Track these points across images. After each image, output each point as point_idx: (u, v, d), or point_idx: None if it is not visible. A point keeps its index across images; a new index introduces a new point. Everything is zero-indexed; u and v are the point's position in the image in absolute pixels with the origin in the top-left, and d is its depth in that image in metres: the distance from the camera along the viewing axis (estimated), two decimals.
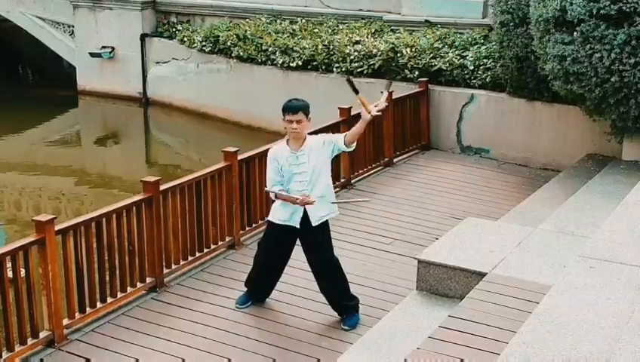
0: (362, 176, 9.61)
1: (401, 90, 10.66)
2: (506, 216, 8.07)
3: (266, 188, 6.13)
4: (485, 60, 10.80)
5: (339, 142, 5.92)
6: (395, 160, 10.25)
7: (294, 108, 5.86)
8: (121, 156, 13.77)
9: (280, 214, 6.06)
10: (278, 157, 5.99)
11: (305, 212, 5.94)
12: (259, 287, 6.48)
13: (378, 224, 8.25)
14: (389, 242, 7.82)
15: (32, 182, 12.22)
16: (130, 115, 15.07)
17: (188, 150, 13.73)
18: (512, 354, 4.17)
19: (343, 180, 9.23)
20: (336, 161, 9.02)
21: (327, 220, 6.08)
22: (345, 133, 6.04)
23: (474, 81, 10.75)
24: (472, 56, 10.92)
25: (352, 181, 9.40)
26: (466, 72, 10.82)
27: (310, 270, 6.27)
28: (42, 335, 5.76)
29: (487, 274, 5.98)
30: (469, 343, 5.00)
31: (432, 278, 6.23)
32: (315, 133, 7.06)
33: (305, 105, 5.92)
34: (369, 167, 9.76)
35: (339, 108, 9.13)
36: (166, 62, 14.49)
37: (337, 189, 9.08)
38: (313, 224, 5.97)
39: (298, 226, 6.00)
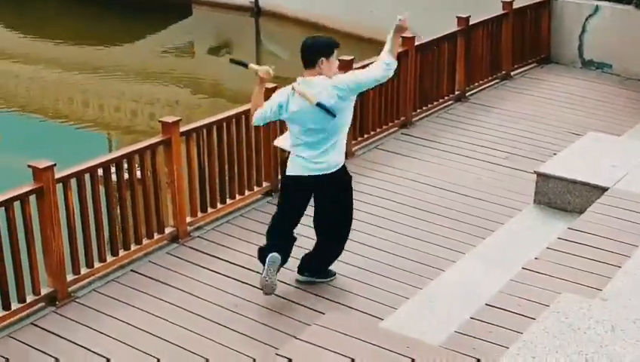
0: (478, 90, 9.39)
1: None
2: (628, 132, 7.80)
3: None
4: None
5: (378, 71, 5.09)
6: (512, 73, 9.95)
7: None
8: (232, 66, 13.92)
9: None
10: None
11: None
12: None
13: (494, 138, 8.12)
14: (505, 156, 7.70)
15: (148, 91, 12.59)
16: (242, 26, 15.15)
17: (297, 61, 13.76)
18: (636, 266, 4.09)
19: (457, 93, 9.05)
20: (451, 72, 8.89)
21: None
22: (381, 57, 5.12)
23: None
24: None
25: (467, 94, 9.21)
26: None
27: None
28: (167, 231, 6.04)
29: (608, 188, 5.84)
30: (589, 255, 4.94)
31: (551, 192, 6.14)
32: None
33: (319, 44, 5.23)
34: (485, 80, 9.52)
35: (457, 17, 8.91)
36: None
37: (451, 102, 8.97)
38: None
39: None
